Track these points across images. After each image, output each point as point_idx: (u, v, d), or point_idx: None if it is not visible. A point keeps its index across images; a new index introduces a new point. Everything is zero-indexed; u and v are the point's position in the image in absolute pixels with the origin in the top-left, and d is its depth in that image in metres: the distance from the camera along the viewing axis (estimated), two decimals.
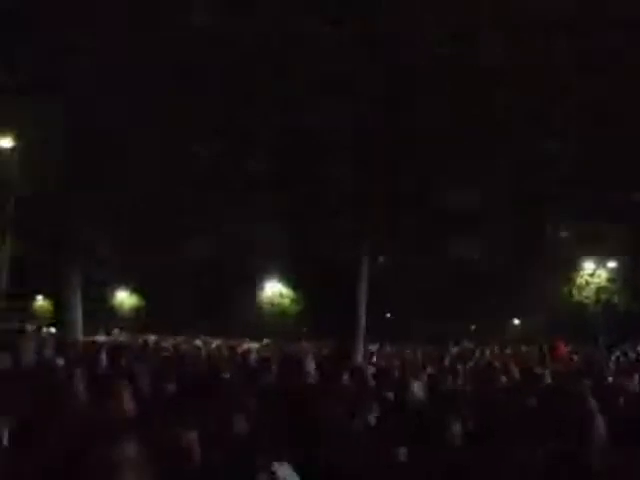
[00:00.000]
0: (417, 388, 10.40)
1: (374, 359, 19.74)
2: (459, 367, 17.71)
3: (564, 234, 31.11)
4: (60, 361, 12.89)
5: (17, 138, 30.05)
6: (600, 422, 7.51)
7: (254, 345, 31.29)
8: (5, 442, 6.01)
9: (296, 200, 19.67)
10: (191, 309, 46.99)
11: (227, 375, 12.02)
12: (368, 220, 17.89)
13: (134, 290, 58.43)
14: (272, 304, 53.07)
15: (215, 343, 34.01)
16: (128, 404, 7.31)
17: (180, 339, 34.22)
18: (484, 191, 18.66)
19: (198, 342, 33.79)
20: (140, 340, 28.52)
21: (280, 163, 19.59)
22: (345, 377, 10.62)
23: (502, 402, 9.87)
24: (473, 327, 49.49)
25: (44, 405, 6.49)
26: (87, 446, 5.97)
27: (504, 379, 13.50)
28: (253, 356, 19.74)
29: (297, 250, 29.58)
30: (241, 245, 31.40)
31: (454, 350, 31.79)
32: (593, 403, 8.06)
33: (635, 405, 9.87)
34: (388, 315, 48.86)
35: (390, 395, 9.60)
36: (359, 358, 17.96)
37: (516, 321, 55.14)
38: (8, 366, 11.40)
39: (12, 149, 31.68)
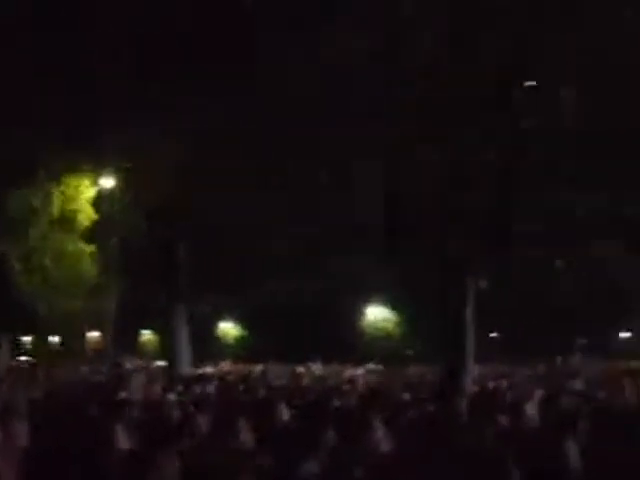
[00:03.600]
0: (530, 409, 10.20)
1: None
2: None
3: None
4: (171, 396, 13.02)
5: (119, 177, 30.83)
6: None
7: (359, 371, 31.21)
8: None
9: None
10: (294, 336, 47.13)
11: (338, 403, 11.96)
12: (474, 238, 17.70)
13: (238, 320, 58.84)
14: (376, 327, 52.88)
15: (318, 369, 34.08)
16: (245, 437, 7.34)
17: (286, 367, 34.22)
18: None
19: (301, 369, 33.85)
20: (246, 370, 28.73)
21: None
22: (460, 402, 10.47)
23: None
24: (583, 342, 48.51)
25: (162, 442, 6.50)
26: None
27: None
28: (361, 382, 19.72)
29: (400, 271, 29.42)
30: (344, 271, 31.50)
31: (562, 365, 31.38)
32: None
33: None
34: (494, 335, 48.29)
35: (503, 419, 9.37)
36: (469, 381, 17.74)
37: (626, 334, 53.82)
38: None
39: (113, 188, 32.49)
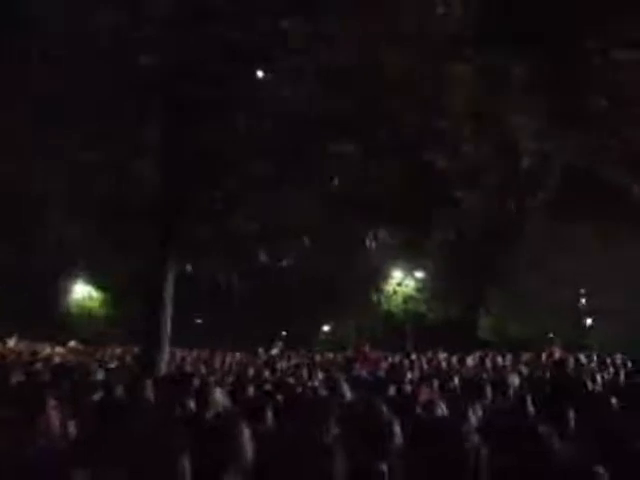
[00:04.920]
0: (219, 395, 10.28)
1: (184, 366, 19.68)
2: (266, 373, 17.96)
3: (374, 243, 31.67)
4: None
5: None
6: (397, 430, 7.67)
7: (59, 349, 30.59)
8: None
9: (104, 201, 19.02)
10: None
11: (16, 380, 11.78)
12: (174, 226, 17.72)
13: None
14: (81, 306, 52.16)
15: (16, 345, 33.15)
16: None
17: None
18: (302, 197, 18.60)
19: None
20: None
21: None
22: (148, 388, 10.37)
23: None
24: (284, 333, 49.89)
25: None
26: None
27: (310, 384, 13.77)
28: (56, 360, 19.32)
29: (106, 252, 28.84)
30: (48, 245, 30.39)
31: (264, 355, 32.08)
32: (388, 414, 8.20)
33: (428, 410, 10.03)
34: (199, 321, 48.88)
35: (190, 403, 9.38)
36: (163, 365, 17.77)
37: (326, 327, 55.83)
38: None
39: None
